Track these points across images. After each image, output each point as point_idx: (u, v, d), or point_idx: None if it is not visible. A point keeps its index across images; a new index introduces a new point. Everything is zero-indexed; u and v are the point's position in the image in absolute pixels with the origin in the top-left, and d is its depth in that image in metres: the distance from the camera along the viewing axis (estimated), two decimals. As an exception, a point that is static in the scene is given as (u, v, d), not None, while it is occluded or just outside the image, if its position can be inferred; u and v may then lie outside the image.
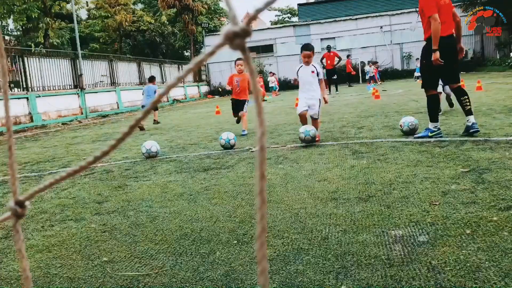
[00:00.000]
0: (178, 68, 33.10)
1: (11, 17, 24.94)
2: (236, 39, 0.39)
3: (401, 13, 33.93)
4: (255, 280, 2.16)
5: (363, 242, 2.49)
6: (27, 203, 0.54)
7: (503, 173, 3.58)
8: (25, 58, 16.82)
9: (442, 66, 5.28)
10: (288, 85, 31.83)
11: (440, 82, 6.41)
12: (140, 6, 43.14)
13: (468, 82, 15.79)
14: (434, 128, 5.57)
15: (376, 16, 34.59)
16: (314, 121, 6.37)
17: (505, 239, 2.32)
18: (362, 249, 2.40)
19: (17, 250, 0.56)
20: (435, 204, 3.01)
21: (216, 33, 36.68)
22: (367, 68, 27.05)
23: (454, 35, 5.48)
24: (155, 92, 12.34)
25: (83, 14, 42.71)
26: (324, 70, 22.08)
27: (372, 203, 3.20)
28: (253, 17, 0.40)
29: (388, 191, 3.46)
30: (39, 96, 16.63)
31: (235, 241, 2.73)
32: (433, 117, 5.58)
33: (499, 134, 5.28)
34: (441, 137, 5.49)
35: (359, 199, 3.33)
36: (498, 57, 28.19)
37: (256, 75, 0.41)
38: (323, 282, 2.07)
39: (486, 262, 2.08)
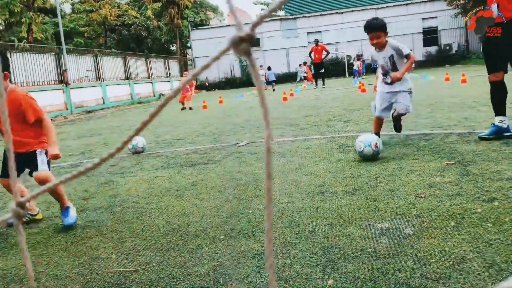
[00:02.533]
0: (164, 62, 32.87)
1: (-7, 11, 24.51)
2: (242, 44, 0.40)
3: (386, 7, 34.09)
4: (243, 275, 2.16)
5: (350, 235, 2.51)
6: (27, 204, 0.55)
7: (487, 165, 3.63)
8: (8, 53, 16.55)
9: None
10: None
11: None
12: (125, 0, 42.70)
13: (453, 75, 15.95)
14: (499, 123, 4.48)
15: (362, 9, 34.71)
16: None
17: (489, 230, 2.35)
18: (349, 242, 2.41)
19: (21, 250, 0.57)
20: (421, 197, 3.04)
21: (202, 27, 36.51)
22: (354, 62, 27.16)
23: None
24: (274, 75, 24.88)
25: (67, 8, 42.16)
26: (311, 64, 22.14)
27: (358, 196, 3.22)
28: (258, 23, 0.41)
29: (374, 184, 3.49)
30: (23, 92, 16.39)
31: (223, 236, 2.73)
32: (499, 109, 4.51)
33: (484, 127, 5.34)
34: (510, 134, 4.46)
35: (346, 193, 3.35)
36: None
37: (261, 82, 0.43)
38: (310, 275, 2.09)
39: (471, 253, 2.10)
